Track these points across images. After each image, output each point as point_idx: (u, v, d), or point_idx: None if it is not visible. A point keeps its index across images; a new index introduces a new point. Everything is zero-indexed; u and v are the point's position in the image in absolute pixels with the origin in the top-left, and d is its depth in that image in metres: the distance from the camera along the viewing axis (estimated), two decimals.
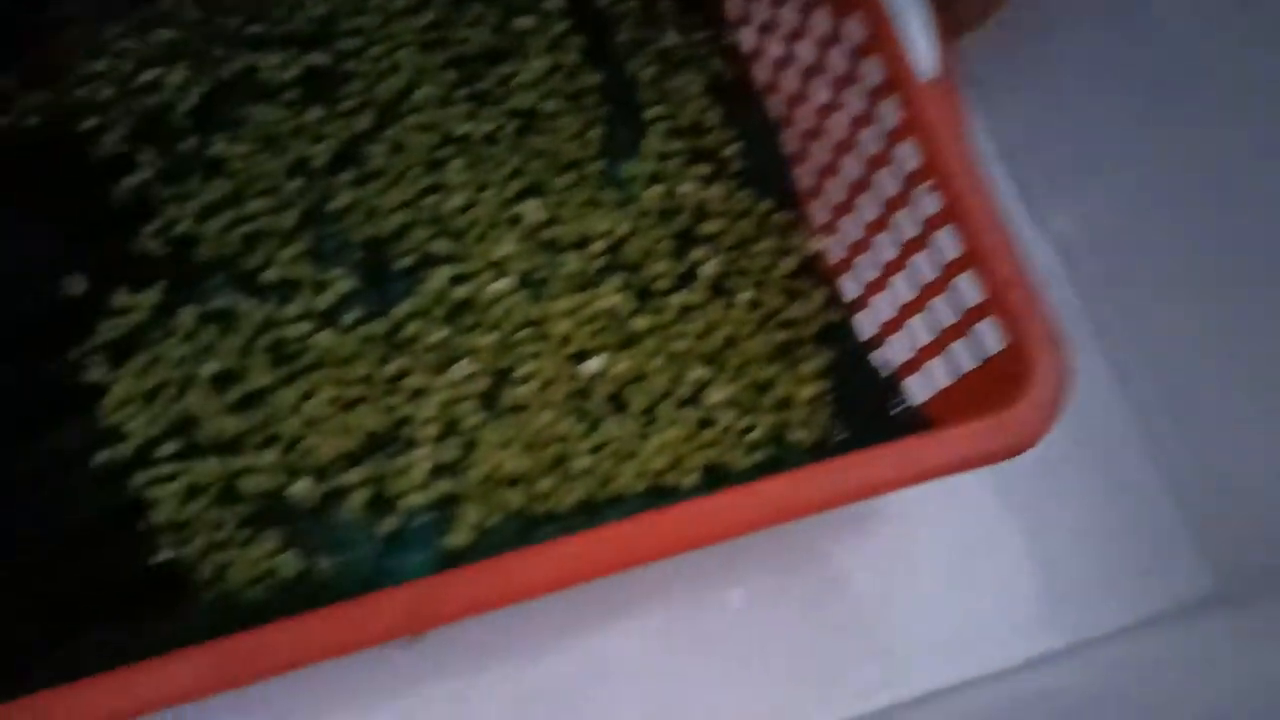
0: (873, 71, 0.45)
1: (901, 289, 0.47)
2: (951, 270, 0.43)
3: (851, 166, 0.49)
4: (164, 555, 0.44)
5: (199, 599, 0.44)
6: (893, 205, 0.46)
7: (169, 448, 0.46)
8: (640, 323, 0.50)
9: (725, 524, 0.36)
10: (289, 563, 0.45)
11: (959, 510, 0.54)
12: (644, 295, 0.51)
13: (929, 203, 0.43)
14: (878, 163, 0.47)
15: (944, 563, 0.53)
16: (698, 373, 0.49)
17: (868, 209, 0.48)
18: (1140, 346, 0.57)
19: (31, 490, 0.45)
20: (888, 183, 0.46)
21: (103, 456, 0.45)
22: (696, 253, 0.51)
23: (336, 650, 0.33)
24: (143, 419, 0.46)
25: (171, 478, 0.45)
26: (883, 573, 0.53)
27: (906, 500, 0.54)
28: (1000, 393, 0.39)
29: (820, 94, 0.50)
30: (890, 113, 0.44)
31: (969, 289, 0.42)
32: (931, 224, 0.43)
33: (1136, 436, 0.57)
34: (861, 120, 0.47)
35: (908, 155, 0.44)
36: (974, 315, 0.42)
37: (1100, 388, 0.58)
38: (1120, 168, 0.56)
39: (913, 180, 0.44)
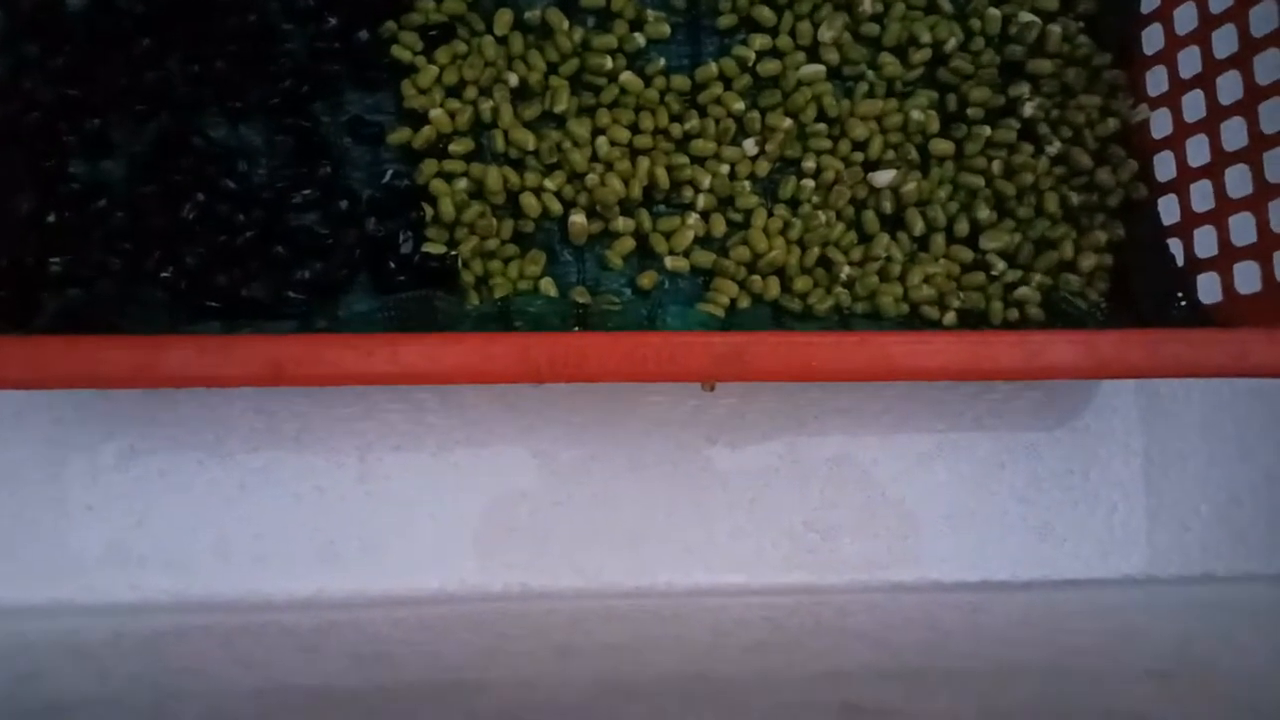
0: None
1: (1235, 181, 0.44)
2: None
3: (1224, 39, 0.45)
4: (434, 248, 0.45)
5: (465, 297, 0.45)
6: (1262, 93, 0.43)
7: (461, 145, 0.46)
8: (941, 146, 0.48)
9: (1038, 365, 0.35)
10: (550, 287, 0.46)
11: (1163, 418, 0.54)
12: (952, 120, 0.48)
13: None
14: (1258, 45, 0.43)
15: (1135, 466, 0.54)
16: (983, 214, 0.48)
17: (1225, 88, 0.45)
18: None
19: (328, 152, 0.46)
20: (1264, 67, 0.43)
21: (401, 136, 0.46)
22: (1017, 89, 0.48)
23: (652, 375, 0.34)
24: (442, 110, 0.46)
25: (458, 176, 0.46)
26: (1075, 459, 0.53)
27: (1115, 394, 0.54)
28: None
29: None
30: None
31: None
32: None
33: None
34: None
35: None
36: None
37: None
38: None
39: None
